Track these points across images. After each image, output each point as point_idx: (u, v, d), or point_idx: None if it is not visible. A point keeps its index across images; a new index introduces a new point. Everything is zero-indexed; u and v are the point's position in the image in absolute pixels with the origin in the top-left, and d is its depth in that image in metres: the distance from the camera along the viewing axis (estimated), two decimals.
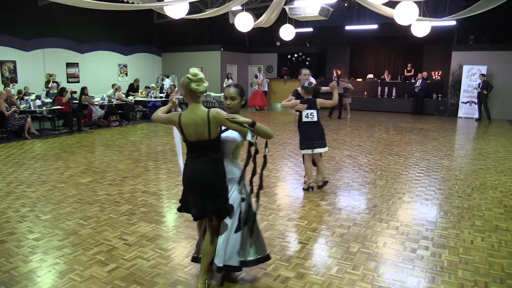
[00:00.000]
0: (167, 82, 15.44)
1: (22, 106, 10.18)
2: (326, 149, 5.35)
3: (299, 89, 5.37)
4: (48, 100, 11.27)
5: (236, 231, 2.91)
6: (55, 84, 12.38)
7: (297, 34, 10.09)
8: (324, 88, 5.53)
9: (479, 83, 13.37)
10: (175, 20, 8.24)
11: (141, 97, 13.78)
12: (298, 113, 5.32)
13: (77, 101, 11.34)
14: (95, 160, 7.31)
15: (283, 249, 3.67)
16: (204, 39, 18.15)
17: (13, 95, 10.25)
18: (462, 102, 14.32)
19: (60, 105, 10.38)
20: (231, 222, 2.91)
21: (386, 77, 16.65)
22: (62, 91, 10.63)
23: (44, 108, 10.39)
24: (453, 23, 12.69)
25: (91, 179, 5.99)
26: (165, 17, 7.75)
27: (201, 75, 2.73)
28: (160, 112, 3.00)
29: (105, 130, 11.00)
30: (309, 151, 5.26)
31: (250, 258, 3.02)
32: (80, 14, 9.66)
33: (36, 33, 13.06)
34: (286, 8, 8.69)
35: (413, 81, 15.67)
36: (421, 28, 8.35)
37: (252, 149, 2.85)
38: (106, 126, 11.59)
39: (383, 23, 13.33)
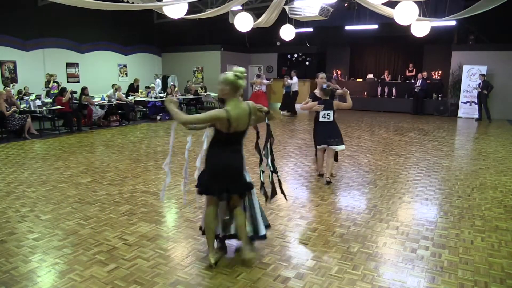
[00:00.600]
0: (158, 82, 15.41)
1: (22, 106, 10.17)
2: (342, 147, 5.79)
3: (316, 91, 5.91)
4: (48, 100, 11.27)
5: (267, 202, 3.52)
6: (55, 84, 12.39)
7: (297, 34, 10.10)
8: (338, 92, 6.02)
9: (479, 83, 13.36)
10: (175, 20, 8.24)
11: (141, 97, 13.79)
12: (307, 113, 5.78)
13: (77, 101, 11.34)
14: (95, 160, 7.31)
15: (283, 249, 3.67)
16: (204, 39, 18.15)
17: (13, 95, 10.25)
18: (462, 102, 14.32)
19: (60, 105, 10.38)
20: (255, 199, 3.45)
21: (386, 77, 16.64)
22: (63, 91, 10.63)
23: (44, 108, 10.38)
24: (453, 23, 12.69)
25: (91, 179, 5.99)
26: (165, 17, 7.75)
27: (245, 72, 3.17)
28: (183, 114, 3.10)
29: (105, 130, 11.00)
30: (324, 146, 5.70)
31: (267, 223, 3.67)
32: (80, 14, 9.66)
33: (36, 33, 13.07)
34: (286, 8, 8.69)
35: (413, 81, 15.67)
36: (421, 28, 8.36)
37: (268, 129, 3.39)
38: (106, 126, 11.59)
39: (383, 23, 13.32)
